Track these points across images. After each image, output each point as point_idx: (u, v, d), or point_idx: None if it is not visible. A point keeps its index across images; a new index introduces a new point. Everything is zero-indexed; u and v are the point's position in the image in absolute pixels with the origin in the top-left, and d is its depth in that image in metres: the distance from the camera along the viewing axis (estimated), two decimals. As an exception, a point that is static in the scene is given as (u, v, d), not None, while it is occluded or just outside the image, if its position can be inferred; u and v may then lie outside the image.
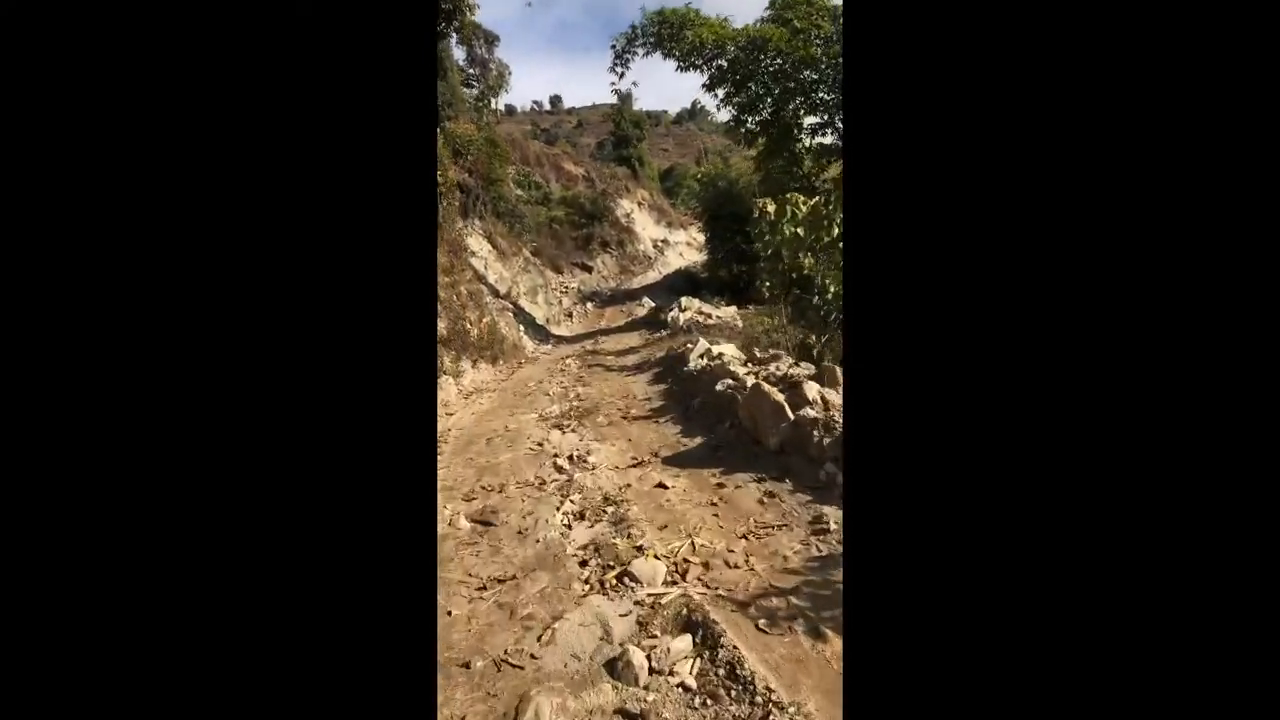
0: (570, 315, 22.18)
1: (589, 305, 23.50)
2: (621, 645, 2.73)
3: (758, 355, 7.99)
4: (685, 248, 32.25)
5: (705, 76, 13.70)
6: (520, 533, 4.07)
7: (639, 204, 31.88)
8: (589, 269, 26.80)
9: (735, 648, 2.63)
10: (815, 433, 4.67)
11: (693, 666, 2.58)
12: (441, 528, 4.12)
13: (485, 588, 3.38)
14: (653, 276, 28.18)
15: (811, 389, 5.18)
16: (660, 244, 30.91)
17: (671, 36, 13.97)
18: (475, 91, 20.90)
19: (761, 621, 2.86)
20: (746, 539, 3.75)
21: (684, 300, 14.12)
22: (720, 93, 13.97)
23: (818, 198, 7.68)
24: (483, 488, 4.99)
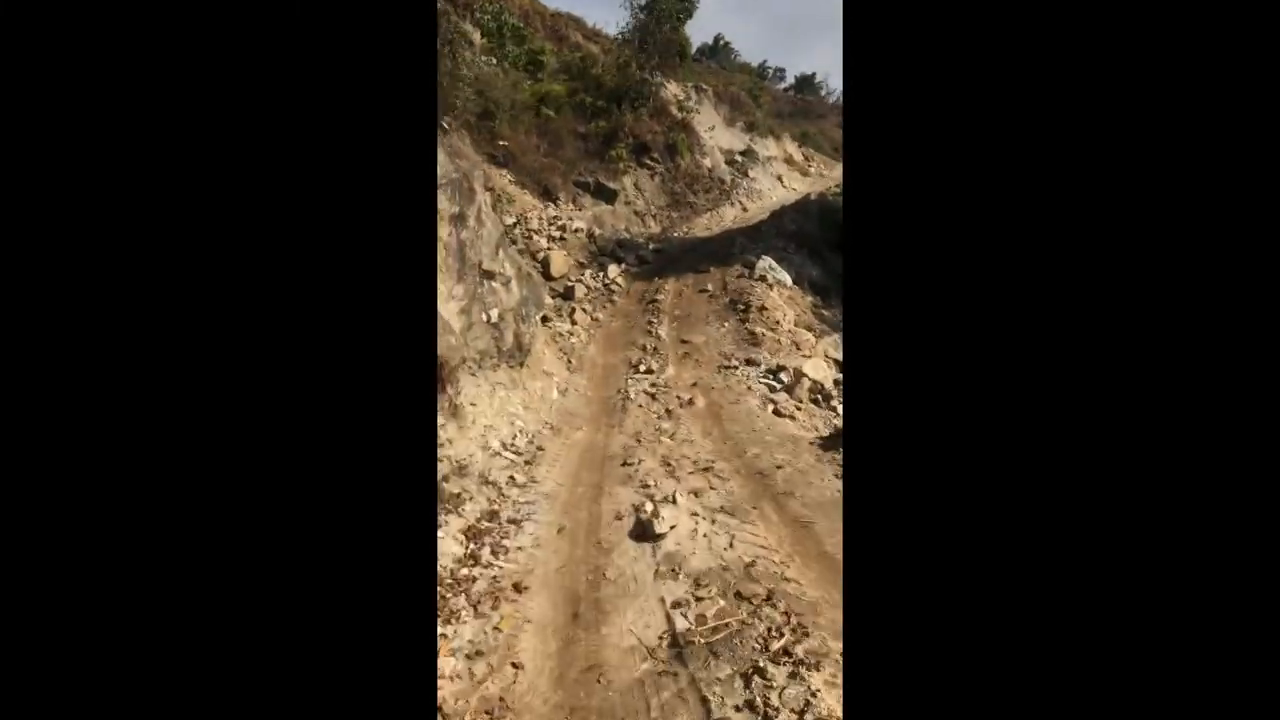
0: (570, 297, 8.98)
1: (612, 271, 10.24)
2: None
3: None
4: (785, 168, 18.51)
5: None
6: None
7: (699, 89, 18.10)
8: (609, 195, 13.43)
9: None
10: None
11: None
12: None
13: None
14: (732, 215, 14.73)
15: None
16: (740, 158, 17.24)
17: None
18: None
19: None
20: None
21: None
22: None
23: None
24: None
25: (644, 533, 3.54)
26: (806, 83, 40.03)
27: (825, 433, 5.70)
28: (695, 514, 3.75)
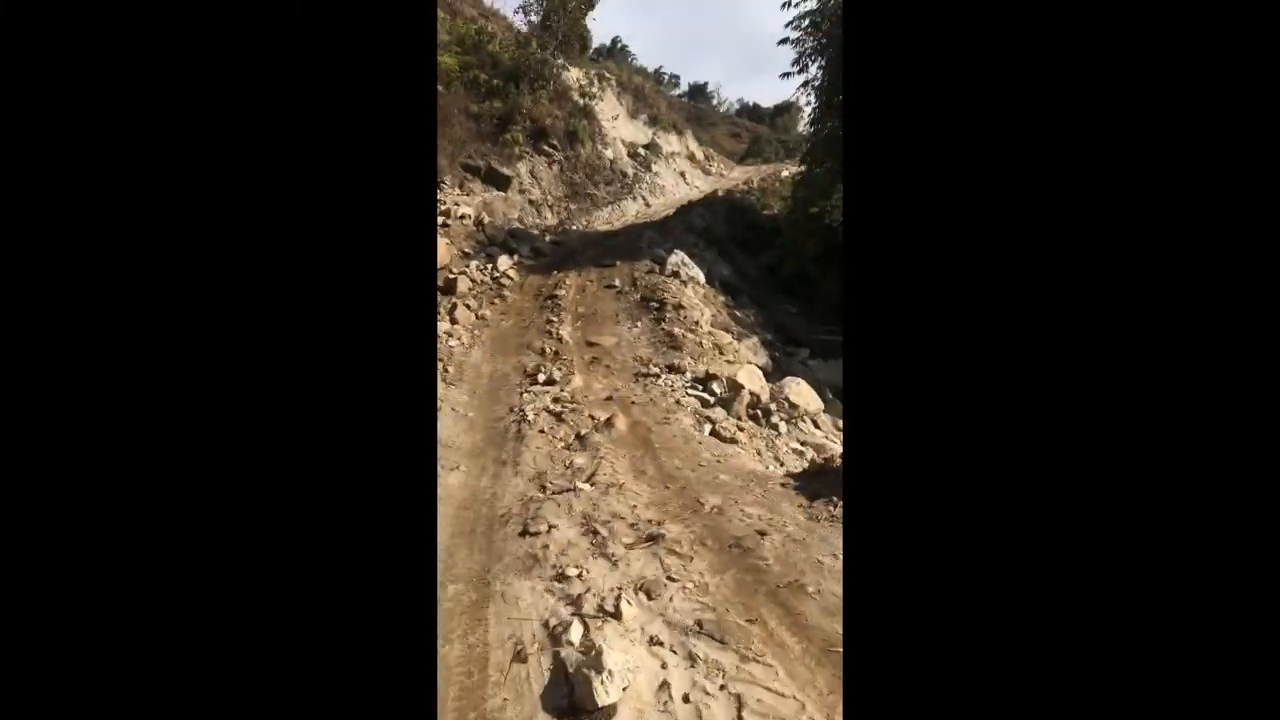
0: (452, 291, 7.21)
1: (503, 263, 8.58)
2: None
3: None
4: (688, 165, 17.45)
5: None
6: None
7: (602, 77, 16.69)
8: (502, 181, 11.84)
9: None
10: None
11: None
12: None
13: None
14: (634, 210, 13.49)
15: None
16: (644, 152, 15.97)
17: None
18: None
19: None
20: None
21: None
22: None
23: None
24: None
25: (572, 700, 1.84)
26: (699, 91, 40.85)
27: (795, 466, 4.33)
28: (656, 641, 2.12)
